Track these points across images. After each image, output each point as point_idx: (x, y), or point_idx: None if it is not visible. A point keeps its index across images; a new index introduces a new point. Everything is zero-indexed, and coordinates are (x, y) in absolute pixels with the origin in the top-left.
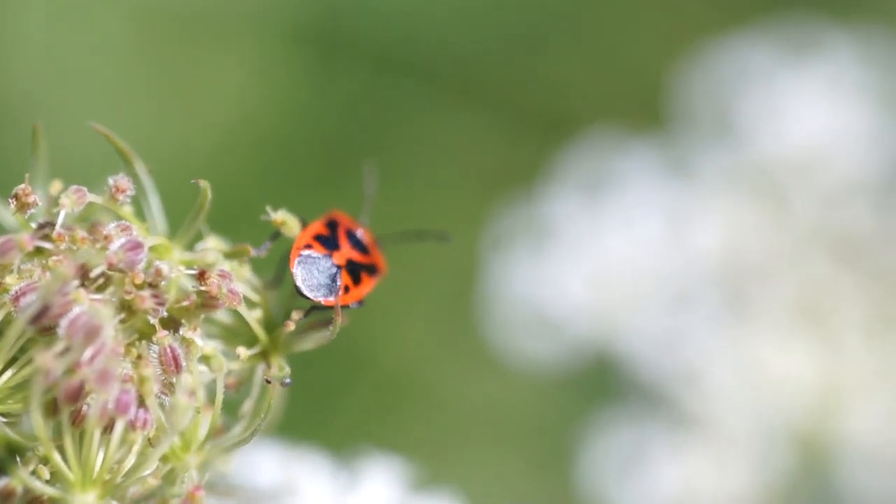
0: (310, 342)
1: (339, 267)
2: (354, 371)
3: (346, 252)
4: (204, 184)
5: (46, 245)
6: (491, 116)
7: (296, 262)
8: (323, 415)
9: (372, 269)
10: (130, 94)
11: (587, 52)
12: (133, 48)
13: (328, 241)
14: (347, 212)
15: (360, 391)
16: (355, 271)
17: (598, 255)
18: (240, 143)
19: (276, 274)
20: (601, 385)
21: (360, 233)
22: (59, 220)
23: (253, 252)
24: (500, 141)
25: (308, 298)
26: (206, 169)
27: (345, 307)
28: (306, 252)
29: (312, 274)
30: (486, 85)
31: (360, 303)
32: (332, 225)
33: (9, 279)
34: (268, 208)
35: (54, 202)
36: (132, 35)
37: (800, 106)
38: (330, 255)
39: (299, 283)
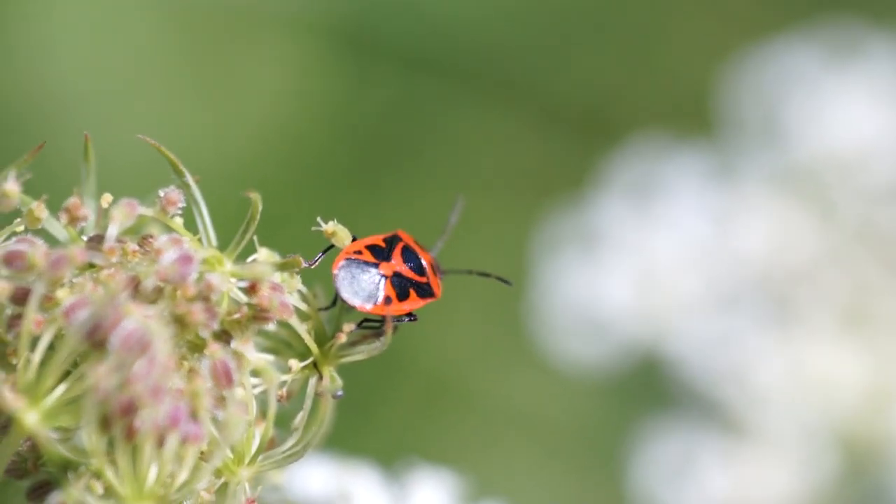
0: (361, 354)
1: (384, 276)
2: (399, 375)
3: (396, 265)
4: (255, 196)
5: (98, 259)
6: (528, 117)
7: (340, 264)
8: (367, 419)
9: (423, 290)
10: (165, 98)
11: (627, 53)
12: (167, 52)
13: (380, 253)
14: (385, 215)
15: (405, 396)
16: (403, 286)
17: (645, 258)
18: (275, 146)
19: (334, 295)
20: (649, 389)
21: (419, 253)
22: (111, 234)
23: (304, 264)
24: (537, 142)
25: (344, 301)
26: (242, 173)
27: (397, 320)
28: (353, 257)
29: (355, 278)
30: (523, 86)
31: (413, 317)
32: (391, 241)
33: (60, 293)
34: (319, 219)
35: (105, 215)
36: (166, 38)
37: (844, 109)
38: (377, 265)
39: (339, 284)
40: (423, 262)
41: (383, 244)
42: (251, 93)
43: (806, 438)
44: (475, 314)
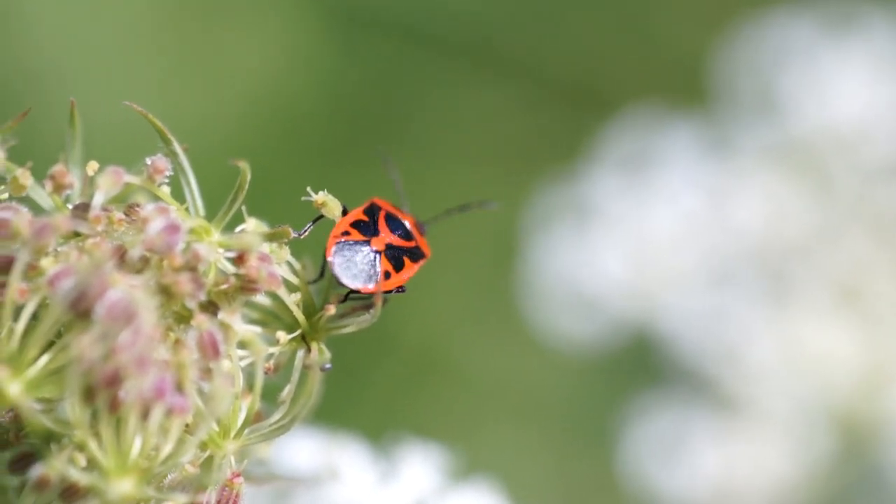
0: (350, 326)
1: (378, 252)
2: (387, 347)
3: (386, 237)
4: (244, 165)
5: (83, 227)
6: (518, 88)
7: (333, 250)
8: (354, 391)
9: (414, 254)
10: (151, 68)
11: (621, 25)
12: (154, 23)
13: (366, 228)
14: (374, 187)
15: (393, 368)
16: (397, 256)
17: (638, 233)
18: (262, 117)
19: (319, 263)
20: (640, 365)
21: (401, 217)
22: (96, 202)
23: (293, 234)
24: (528, 113)
25: (348, 287)
26: (229, 144)
27: (386, 293)
28: (343, 239)
29: (351, 261)
30: (513, 57)
31: (402, 289)
32: (372, 211)
33: (45, 262)
34: (308, 189)
35: (90, 183)
36: (155, 11)
37: (841, 82)
38: (368, 241)
39: (337, 271)
40: (408, 226)
41: (366, 217)
42: (240, 65)
43: (800, 417)
44: (465, 288)
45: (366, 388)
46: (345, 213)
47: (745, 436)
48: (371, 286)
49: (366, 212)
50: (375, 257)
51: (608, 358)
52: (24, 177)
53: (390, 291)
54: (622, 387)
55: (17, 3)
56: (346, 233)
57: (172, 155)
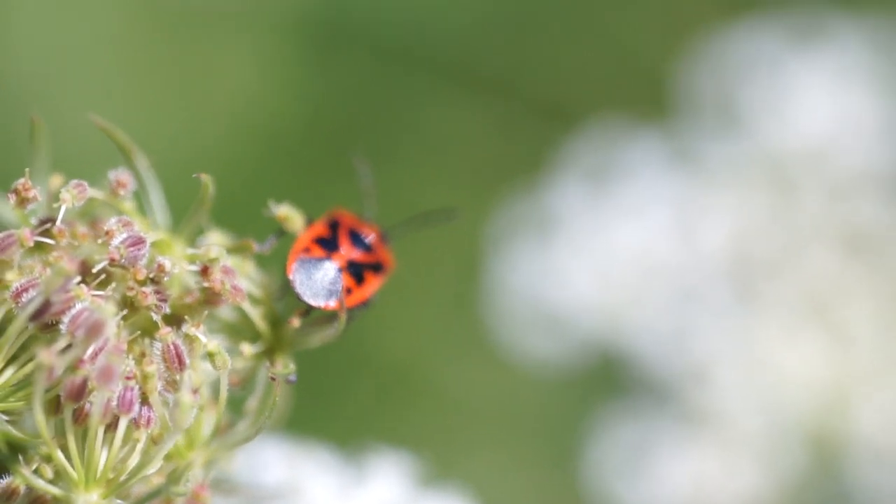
0: (315, 340)
1: (339, 269)
2: (357, 365)
3: (347, 252)
4: (205, 178)
5: (47, 241)
6: (491, 104)
7: (293, 267)
8: (326, 410)
9: (377, 268)
10: (130, 86)
11: (587, 40)
12: (133, 40)
13: (327, 243)
14: (351, 203)
15: (364, 386)
16: (358, 271)
17: (603, 247)
18: (241, 134)
19: (282, 279)
20: (608, 381)
21: (363, 230)
22: (60, 216)
23: (256, 248)
24: (501, 129)
25: (307, 303)
26: (208, 161)
27: (350, 309)
28: (304, 256)
29: (312, 279)
30: (485, 73)
31: (366, 304)
32: (334, 225)
33: (9, 275)
34: (270, 203)
35: (55, 197)
36: (132, 27)
37: (807, 95)
38: (329, 258)
39: (298, 289)
40: (370, 239)
41: (328, 232)
42: (218, 81)
43: (768, 431)
44: (437, 305)
45: (336, 405)
46: (309, 223)
47: (713, 451)
48: (333, 303)
49: (328, 225)
50: (336, 274)
51: (576, 374)
52: None
53: (354, 308)
54: (589, 402)
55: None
56: (307, 249)
57: (135, 169)
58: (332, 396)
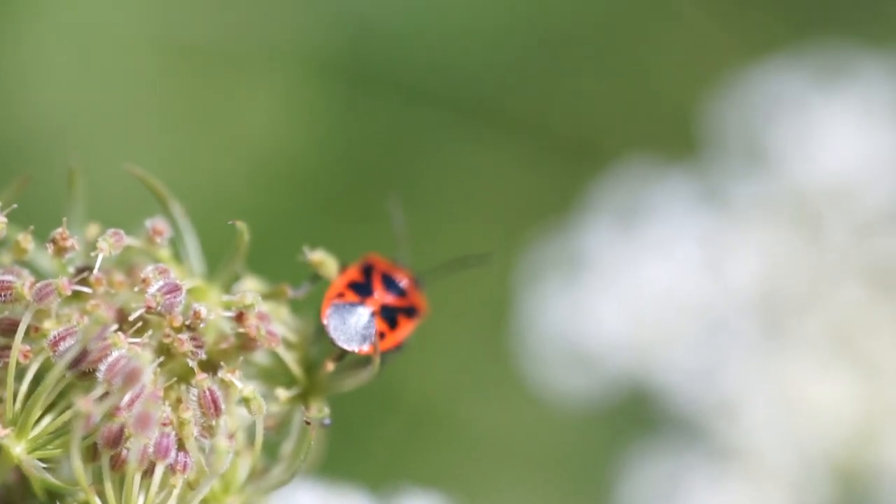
0: (348, 383)
1: (372, 314)
2: (387, 405)
3: (380, 297)
4: (241, 225)
5: (84, 289)
6: (518, 144)
7: (328, 312)
8: (355, 450)
9: (410, 312)
10: (158, 130)
11: (614, 78)
12: (160, 84)
13: (361, 288)
14: (379, 244)
15: (393, 426)
16: (391, 316)
17: (632, 286)
18: (270, 175)
19: (316, 323)
20: (637, 418)
21: (396, 275)
22: (97, 264)
23: (291, 293)
24: (529, 168)
25: (342, 349)
26: (236, 203)
27: (384, 352)
28: (338, 301)
29: (346, 323)
30: (512, 112)
31: (400, 348)
32: (367, 269)
33: (47, 324)
34: (305, 248)
35: (92, 246)
36: (159, 71)
37: (833, 133)
38: (363, 303)
39: (333, 334)
40: (404, 284)
41: (361, 277)
42: (245, 124)
43: (796, 466)
44: (466, 342)
45: (367, 446)
46: (343, 268)
47: (743, 486)
48: (367, 347)
49: (362, 270)
50: (370, 318)
51: (605, 411)
52: (26, 241)
53: (388, 351)
54: (620, 439)
55: (22, 66)
56: (341, 294)
57: (170, 216)
58: (363, 437)
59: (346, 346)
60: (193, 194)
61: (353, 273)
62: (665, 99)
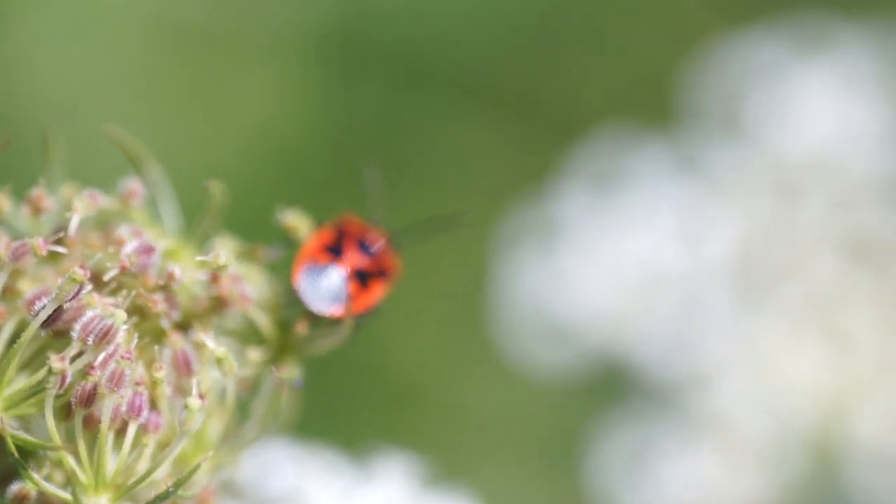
0: (321, 346)
1: (344, 276)
2: (363, 377)
3: (353, 259)
4: (214, 184)
5: (60, 249)
6: (501, 119)
7: (299, 274)
8: (332, 421)
9: (383, 274)
10: (150, 110)
11: (596, 52)
12: (152, 64)
13: (334, 250)
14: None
15: (370, 398)
16: (364, 278)
17: (608, 255)
18: (260, 156)
19: (289, 285)
20: (612, 388)
21: (370, 237)
22: (73, 225)
23: (264, 255)
24: (512, 143)
25: (315, 312)
26: (227, 182)
27: (356, 316)
28: (310, 263)
29: (317, 285)
30: (495, 87)
31: (372, 311)
32: (340, 232)
33: (22, 284)
34: (279, 211)
35: (67, 206)
36: (152, 51)
37: (812, 102)
38: (335, 264)
39: (304, 296)
40: (377, 246)
41: (334, 239)
42: (236, 104)
43: (770, 438)
44: (444, 314)
45: (345, 419)
46: (317, 229)
47: (716, 457)
48: (339, 310)
49: (335, 231)
50: (342, 280)
51: (581, 382)
52: (2, 201)
53: (360, 314)
54: (594, 411)
55: (15, 46)
56: (314, 256)
57: (147, 178)
58: (337, 409)
59: (317, 308)
60: (183, 170)
61: (326, 235)
62: (645, 70)
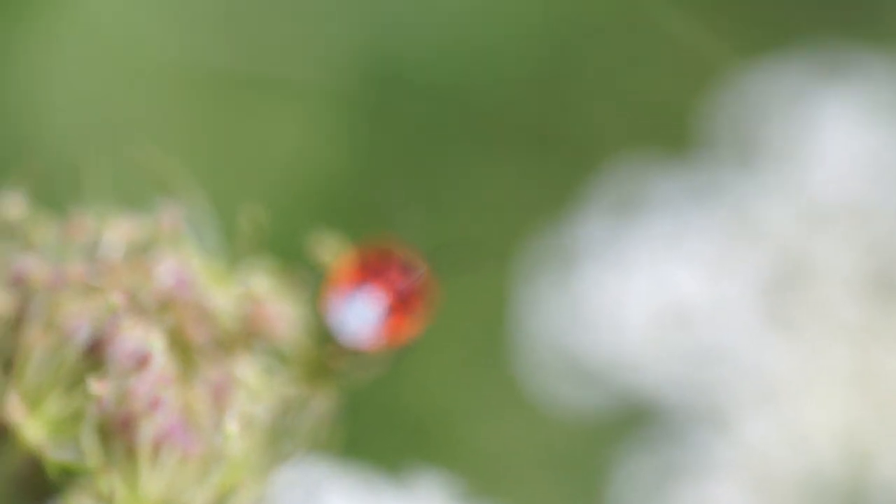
0: (353, 376)
1: (378, 303)
2: (384, 415)
3: (387, 287)
4: (255, 212)
5: (97, 276)
6: (525, 154)
7: (331, 303)
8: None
9: (415, 306)
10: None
11: (617, 85)
12: (182, 110)
13: (367, 280)
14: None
15: (391, 435)
16: (399, 307)
17: (630, 291)
18: (289, 195)
19: (324, 315)
20: (635, 424)
21: (403, 268)
22: (111, 251)
23: (299, 286)
24: (534, 178)
25: (344, 341)
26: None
27: (388, 347)
28: (341, 294)
29: (349, 316)
30: (517, 123)
31: (404, 343)
32: (375, 257)
33: (60, 311)
34: (313, 242)
35: (105, 232)
36: (178, 95)
37: (832, 132)
38: (370, 292)
39: (336, 326)
40: (412, 273)
41: (368, 265)
42: (267, 145)
43: (794, 479)
44: (464, 349)
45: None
46: (351, 258)
47: (739, 494)
48: (370, 341)
49: (368, 258)
50: (376, 308)
51: (602, 417)
52: (41, 228)
53: (392, 346)
54: (618, 446)
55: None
56: (346, 286)
57: (186, 205)
58: (358, 443)
59: (348, 338)
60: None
61: (360, 264)
62: (663, 104)
